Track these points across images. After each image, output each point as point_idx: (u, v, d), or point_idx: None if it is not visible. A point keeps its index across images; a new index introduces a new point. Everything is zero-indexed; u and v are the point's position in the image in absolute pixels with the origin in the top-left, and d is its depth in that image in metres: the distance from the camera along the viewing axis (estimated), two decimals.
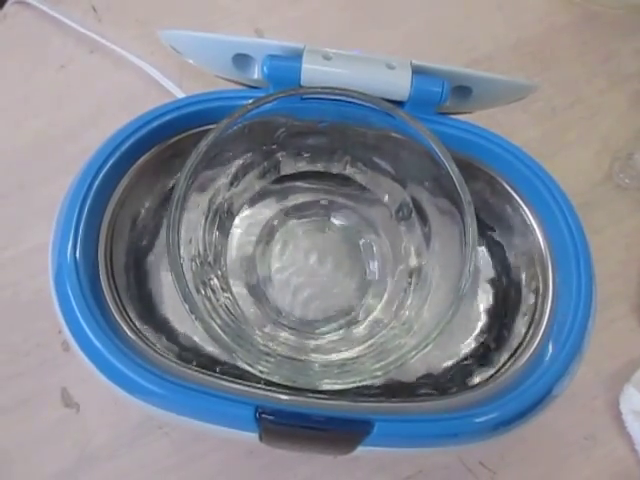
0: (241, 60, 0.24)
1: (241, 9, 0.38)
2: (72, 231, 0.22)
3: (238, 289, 0.25)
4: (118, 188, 0.23)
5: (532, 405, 0.21)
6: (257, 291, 0.26)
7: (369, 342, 0.22)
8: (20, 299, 0.31)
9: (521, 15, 0.39)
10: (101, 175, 0.22)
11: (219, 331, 0.20)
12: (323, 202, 0.27)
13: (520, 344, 0.24)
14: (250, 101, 0.21)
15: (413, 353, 0.19)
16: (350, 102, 0.22)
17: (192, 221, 0.22)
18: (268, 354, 0.22)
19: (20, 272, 0.31)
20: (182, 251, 0.20)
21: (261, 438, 0.21)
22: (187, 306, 0.19)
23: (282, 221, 0.27)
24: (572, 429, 0.30)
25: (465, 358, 0.24)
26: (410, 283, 0.24)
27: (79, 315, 0.21)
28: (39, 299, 0.31)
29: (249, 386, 0.21)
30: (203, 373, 0.22)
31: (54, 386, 0.30)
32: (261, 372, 0.20)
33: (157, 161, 0.24)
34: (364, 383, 0.19)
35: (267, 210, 0.26)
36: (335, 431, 0.20)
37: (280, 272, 0.26)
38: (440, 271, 0.23)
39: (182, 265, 0.19)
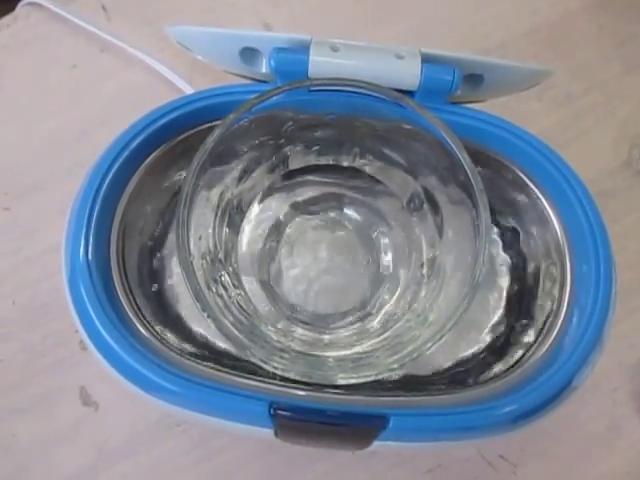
0: (249, 54, 0.24)
1: (250, 4, 0.38)
2: (84, 231, 0.22)
3: (250, 285, 0.25)
4: (129, 186, 0.23)
5: (552, 397, 0.21)
6: (269, 287, 0.25)
7: (383, 335, 0.22)
8: (37, 299, 0.31)
9: (533, 2, 0.39)
10: (111, 173, 0.22)
11: (232, 328, 0.20)
12: (334, 196, 0.26)
13: (538, 335, 0.23)
14: (256, 95, 0.20)
15: (429, 345, 0.19)
16: (359, 93, 0.21)
17: (201, 218, 0.22)
18: (282, 350, 0.22)
19: (37, 272, 0.31)
20: (192, 248, 0.20)
21: (276, 434, 0.21)
22: (199, 304, 0.19)
23: (292, 216, 0.26)
24: (594, 421, 0.29)
25: (482, 351, 0.24)
26: (424, 275, 0.24)
27: (93, 315, 0.21)
28: (56, 299, 0.31)
29: (263, 382, 0.21)
30: (217, 370, 0.22)
31: (72, 385, 0.30)
32: (275, 368, 0.20)
33: (167, 158, 0.24)
34: (380, 377, 0.19)
35: (277, 205, 0.26)
36: (350, 426, 0.20)
37: (292, 267, 0.26)
38: (454, 261, 0.22)
39: (192, 263, 0.19)
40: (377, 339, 0.22)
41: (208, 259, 0.21)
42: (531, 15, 0.38)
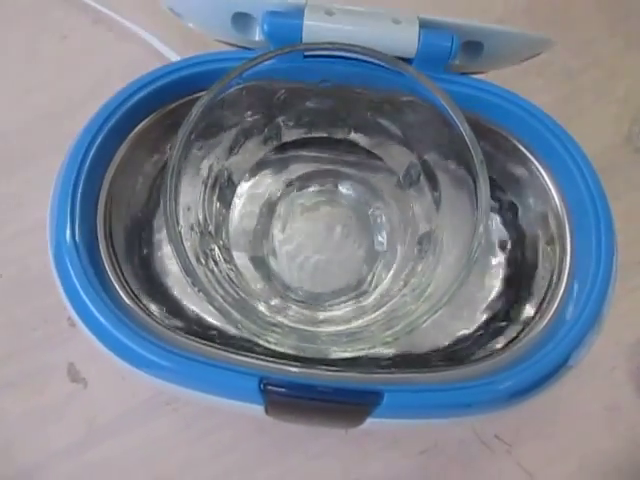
0: (241, 20, 0.23)
1: None
2: (69, 204, 0.21)
3: (242, 262, 0.24)
4: (116, 157, 0.22)
5: (548, 374, 0.20)
6: (262, 265, 0.25)
7: (379, 311, 0.22)
8: (25, 274, 0.31)
9: None
10: (96, 144, 0.22)
11: (223, 302, 0.20)
12: (328, 172, 0.25)
13: (536, 312, 0.23)
14: (246, 60, 0.20)
15: (424, 318, 0.18)
16: (354, 59, 0.20)
17: (190, 189, 0.21)
18: (275, 325, 0.21)
19: (24, 248, 0.31)
20: (181, 219, 0.19)
21: (267, 411, 0.20)
22: (187, 276, 0.18)
23: (286, 192, 0.26)
24: (592, 401, 0.29)
25: (479, 328, 0.23)
26: (420, 250, 0.23)
27: (80, 290, 0.20)
28: (44, 274, 0.29)
29: (255, 359, 0.21)
30: (208, 346, 0.21)
31: (61, 362, 0.29)
32: (268, 342, 0.19)
33: (156, 129, 0.23)
34: (374, 350, 0.18)
35: (270, 181, 0.25)
36: (343, 402, 0.20)
37: (285, 245, 0.25)
38: (451, 235, 0.22)
39: (180, 233, 0.18)
40: (372, 315, 0.22)
41: (197, 230, 0.21)
42: None
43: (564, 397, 0.29)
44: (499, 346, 0.22)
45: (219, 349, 0.21)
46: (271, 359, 0.21)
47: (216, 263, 0.21)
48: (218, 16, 0.23)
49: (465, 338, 0.23)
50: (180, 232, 0.18)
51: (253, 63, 0.19)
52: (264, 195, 0.25)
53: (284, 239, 0.25)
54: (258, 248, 0.25)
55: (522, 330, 0.22)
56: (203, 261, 0.20)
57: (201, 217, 0.22)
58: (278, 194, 0.25)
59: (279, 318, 0.22)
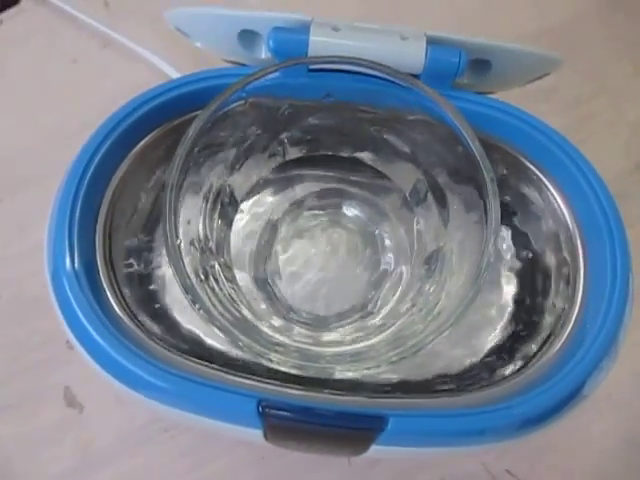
0: (248, 38, 0.23)
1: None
2: (66, 225, 0.21)
3: (244, 282, 0.24)
4: (116, 175, 0.22)
5: (561, 402, 0.19)
6: (265, 286, 0.24)
7: (385, 333, 0.21)
8: (25, 295, 0.30)
9: (542, 3, 0.38)
10: (95, 162, 0.21)
11: (223, 321, 0.19)
12: (333, 192, 0.25)
13: (548, 337, 0.22)
14: (248, 74, 0.19)
15: (431, 337, 0.17)
16: (360, 73, 0.20)
17: (190, 203, 0.20)
18: (277, 344, 0.21)
19: (26, 267, 0.30)
20: (180, 234, 0.19)
21: (266, 436, 0.19)
22: (186, 294, 0.18)
23: (289, 212, 0.25)
24: (609, 435, 0.27)
25: (489, 354, 0.23)
26: (428, 269, 0.22)
27: (78, 310, 0.20)
28: (45, 295, 0.29)
29: (255, 380, 0.20)
30: (207, 366, 0.20)
31: (57, 385, 0.28)
32: (270, 361, 0.18)
33: (158, 147, 0.23)
34: (380, 376, 0.18)
35: (273, 200, 0.25)
36: (345, 427, 0.19)
37: (288, 267, 0.25)
38: (459, 253, 0.21)
39: (180, 248, 0.18)
40: (378, 336, 0.21)
41: (197, 246, 0.20)
42: (540, 17, 0.37)
43: (580, 430, 0.27)
44: (511, 371, 0.21)
45: (218, 370, 0.20)
46: (271, 381, 0.20)
47: (217, 281, 0.21)
48: (225, 34, 0.23)
49: (475, 363, 0.22)
50: (179, 247, 0.18)
51: (255, 77, 0.19)
52: (267, 214, 0.25)
53: (287, 260, 0.25)
54: (260, 269, 0.24)
55: (534, 355, 0.21)
56: (203, 277, 0.19)
57: (202, 233, 0.21)
58: (281, 214, 0.25)
59: (281, 338, 0.21)
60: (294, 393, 0.19)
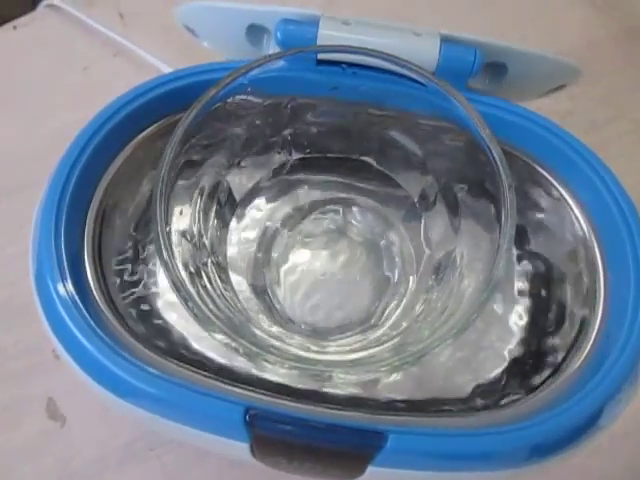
0: (256, 34, 0.22)
1: None
2: (53, 220, 0.20)
3: (240, 288, 0.22)
4: (109, 170, 0.21)
5: (575, 429, 0.17)
6: (263, 294, 0.23)
7: (388, 343, 0.19)
8: (16, 299, 0.29)
9: (556, 31, 0.37)
10: (85, 156, 0.21)
11: (213, 318, 0.17)
12: (338, 200, 0.24)
13: (563, 361, 0.20)
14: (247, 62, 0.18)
15: (436, 344, 0.16)
16: (372, 68, 0.19)
17: (184, 194, 0.19)
18: (272, 346, 0.19)
19: (19, 271, 0.29)
20: (173, 224, 0.18)
21: (253, 451, 0.18)
22: (171, 282, 0.16)
23: (291, 219, 0.24)
24: (626, 475, 0.25)
25: (499, 375, 0.21)
26: (436, 279, 0.21)
27: (60, 306, 0.19)
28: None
29: (244, 389, 0.18)
30: (192, 371, 0.19)
31: (40, 395, 0.27)
32: (266, 361, 0.17)
33: (158, 141, 0.22)
34: (380, 374, 0.16)
35: (274, 205, 0.24)
36: (340, 443, 0.17)
37: (288, 276, 0.23)
38: (470, 256, 0.19)
39: (169, 234, 0.17)
40: (380, 347, 0.19)
41: (189, 239, 0.19)
42: (555, 42, 0.36)
43: (596, 469, 0.25)
44: (521, 394, 0.20)
45: (205, 376, 0.19)
46: (262, 391, 0.18)
47: (209, 279, 0.19)
48: (232, 29, 0.22)
49: (484, 384, 0.21)
50: (169, 234, 0.17)
51: (257, 64, 0.18)
52: (267, 219, 0.24)
53: (287, 269, 0.23)
54: (259, 276, 0.23)
55: (549, 377, 0.20)
56: (193, 271, 0.18)
57: (195, 227, 0.20)
58: (283, 220, 0.24)
59: (277, 343, 0.20)
60: (285, 403, 0.18)
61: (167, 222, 0.17)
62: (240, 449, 0.18)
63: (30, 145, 0.33)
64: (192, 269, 0.18)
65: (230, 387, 0.18)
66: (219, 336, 0.17)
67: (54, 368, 0.27)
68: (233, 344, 0.17)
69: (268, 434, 0.17)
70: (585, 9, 0.40)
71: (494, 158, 0.18)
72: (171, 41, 0.35)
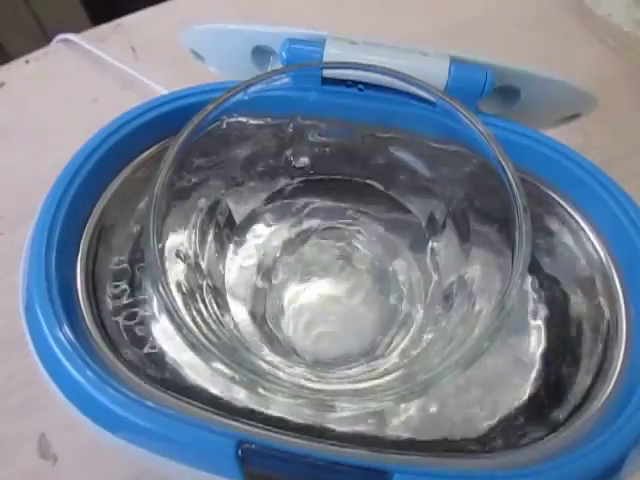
0: (262, 57, 0.22)
1: None
2: (44, 244, 0.19)
3: (239, 316, 0.21)
4: (106, 191, 0.21)
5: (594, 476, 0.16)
6: (263, 323, 0.22)
7: (394, 375, 0.18)
8: (13, 331, 0.28)
9: (569, 69, 0.37)
10: (78, 182, 0.20)
11: (208, 345, 0.16)
12: (341, 224, 0.23)
13: (583, 399, 0.18)
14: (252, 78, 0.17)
15: (445, 374, 0.14)
16: (379, 87, 0.19)
17: (180, 212, 0.18)
18: (272, 375, 0.18)
19: (15, 303, 0.28)
20: (166, 243, 0.17)
21: None
22: (158, 295, 0.15)
23: (293, 245, 0.23)
24: None
25: (512, 414, 0.19)
26: (445, 306, 0.20)
27: (48, 334, 0.18)
28: None
29: (237, 421, 0.17)
30: (185, 402, 0.18)
31: (32, 431, 0.26)
32: (264, 389, 0.15)
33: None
34: (386, 405, 0.15)
35: (276, 230, 0.23)
36: None
37: (290, 306, 0.22)
38: (480, 286, 0.18)
39: (162, 250, 0.16)
40: (386, 378, 0.18)
41: (183, 259, 0.18)
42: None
43: None
44: (538, 436, 0.18)
45: (199, 407, 0.17)
46: (259, 425, 0.17)
47: (205, 305, 0.18)
48: (238, 52, 0.22)
49: (497, 426, 0.19)
50: (162, 250, 0.16)
51: (263, 77, 0.17)
52: (267, 245, 0.23)
53: (289, 298, 0.22)
54: (258, 304, 0.22)
55: (566, 419, 0.18)
56: (185, 291, 0.17)
57: (191, 250, 0.19)
58: (284, 246, 0.23)
59: (278, 372, 0.18)
60: (283, 438, 0.16)
61: (160, 240, 0.16)
62: None
63: (37, 176, 0.33)
64: (185, 290, 0.17)
65: (224, 419, 0.17)
66: (215, 363, 0.16)
67: (48, 403, 0.26)
68: (229, 372, 0.16)
69: (262, 471, 0.16)
70: (599, 48, 0.40)
71: (508, 179, 0.17)
72: (181, 73, 0.34)
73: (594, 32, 0.40)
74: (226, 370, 0.15)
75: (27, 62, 0.36)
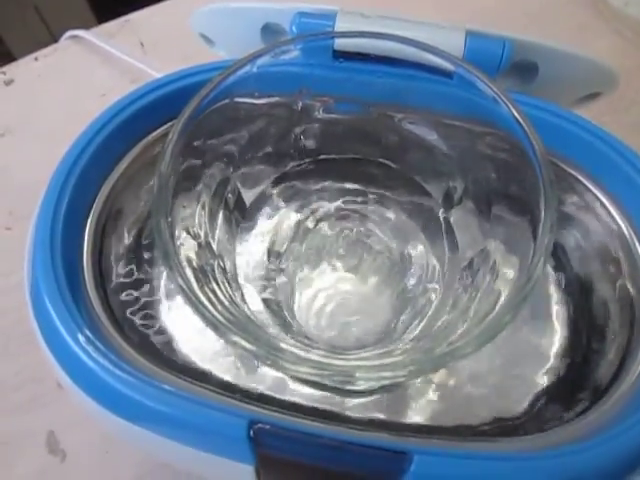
0: (272, 36, 0.21)
1: None
2: (49, 229, 0.19)
3: (253, 301, 0.20)
4: (113, 173, 0.20)
5: (622, 460, 0.15)
6: (276, 308, 0.21)
7: (412, 349, 0.17)
8: (22, 326, 0.27)
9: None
10: (82, 165, 0.20)
11: (223, 320, 0.15)
12: (354, 206, 0.22)
13: (611, 381, 0.18)
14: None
15: (466, 349, 0.14)
16: (394, 61, 0.18)
17: (188, 189, 0.18)
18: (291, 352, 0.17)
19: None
20: (176, 220, 0.16)
21: (258, 473, 0.15)
22: (169, 269, 0.15)
23: (305, 229, 0.22)
24: None
25: (538, 398, 0.18)
26: (463, 283, 0.19)
27: (55, 319, 0.17)
28: None
29: (249, 403, 0.16)
30: (197, 385, 0.17)
31: (41, 428, 0.25)
32: (284, 360, 0.14)
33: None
34: (405, 376, 0.14)
35: (288, 213, 0.22)
36: (358, 465, 0.15)
37: (303, 291, 0.22)
38: (501, 261, 0.17)
39: (172, 225, 0.15)
40: (401, 357, 0.17)
41: (193, 235, 0.17)
42: None
43: None
44: (563, 419, 0.17)
45: (211, 390, 0.17)
46: (270, 407, 0.16)
47: (218, 285, 0.18)
48: (247, 30, 0.21)
49: (521, 407, 0.18)
50: (170, 224, 0.15)
51: (264, 51, 0.17)
52: (278, 228, 0.22)
53: (301, 283, 0.22)
54: (271, 289, 0.21)
55: (592, 402, 0.17)
56: (196, 266, 0.16)
57: (202, 230, 0.18)
58: (295, 229, 0.22)
59: (297, 352, 0.17)
60: (295, 420, 0.16)
61: (170, 215, 0.15)
62: (244, 473, 0.15)
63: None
64: (196, 266, 0.16)
65: (234, 401, 0.16)
66: (234, 337, 0.15)
67: (56, 399, 0.26)
68: (249, 345, 0.15)
69: (276, 453, 0.15)
70: (615, 40, 0.39)
71: (533, 147, 0.16)
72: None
73: (609, 23, 0.39)
74: (246, 344, 0.15)
75: (36, 59, 0.36)
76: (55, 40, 0.37)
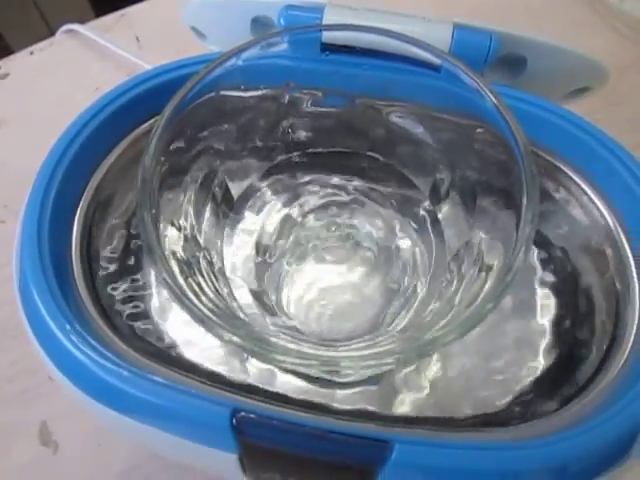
0: (261, 29, 0.21)
1: None
2: (36, 220, 0.19)
3: (241, 294, 0.20)
4: (102, 165, 0.20)
5: (607, 450, 0.15)
6: (264, 302, 0.21)
7: (399, 340, 0.17)
8: (13, 319, 0.27)
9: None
10: (70, 156, 0.20)
11: (208, 313, 0.16)
12: (342, 199, 0.22)
13: (595, 371, 0.18)
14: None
15: (450, 335, 0.14)
16: (380, 54, 0.18)
17: (175, 185, 0.18)
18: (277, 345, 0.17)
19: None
20: (161, 212, 0.16)
21: (242, 462, 0.16)
22: (152, 260, 0.15)
23: (293, 222, 0.22)
24: None
25: (523, 390, 0.18)
26: (449, 275, 0.19)
27: (42, 309, 0.18)
28: None
29: (233, 392, 0.17)
30: (182, 374, 0.17)
31: (33, 419, 0.26)
32: (270, 352, 0.15)
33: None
34: (391, 365, 0.14)
35: (275, 206, 0.22)
36: (340, 453, 0.15)
37: (291, 285, 0.22)
38: (486, 252, 0.17)
39: (156, 217, 0.15)
40: (389, 346, 0.17)
41: (177, 226, 0.17)
42: None
43: None
44: (548, 410, 0.17)
45: (195, 379, 0.17)
46: (256, 397, 0.16)
47: (204, 277, 0.18)
48: (237, 23, 0.21)
49: (506, 398, 0.18)
50: (155, 215, 0.15)
51: (250, 44, 0.17)
52: (266, 222, 0.22)
53: (289, 276, 0.22)
54: (259, 282, 0.21)
55: (577, 392, 0.17)
56: (181, 258, 0.16)
57: (188, 222, 0.18)
58: (282, 223, 0.22)
59: (283, 343, 0.18)
60: (280, 409, 0.16)
61: (155, 208, 0.16)
62: (229, 462, 0.16)
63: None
64: (181, 258, 0.16)
65: (218, 390, 0.17)
66: (221, 331, 0.15)
67: (49, 391, 0.26)
68: (234, 338, 0.15)
69: (259, 442, 0.15)
70: (610, 35, 0.39)
71: (515, 139, 0.16)
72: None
73: (605, 18, 0.39)
74: (230, 335, 0.15)
75: (32, 53, 0.36)
76: (53, 35, 0.37)
